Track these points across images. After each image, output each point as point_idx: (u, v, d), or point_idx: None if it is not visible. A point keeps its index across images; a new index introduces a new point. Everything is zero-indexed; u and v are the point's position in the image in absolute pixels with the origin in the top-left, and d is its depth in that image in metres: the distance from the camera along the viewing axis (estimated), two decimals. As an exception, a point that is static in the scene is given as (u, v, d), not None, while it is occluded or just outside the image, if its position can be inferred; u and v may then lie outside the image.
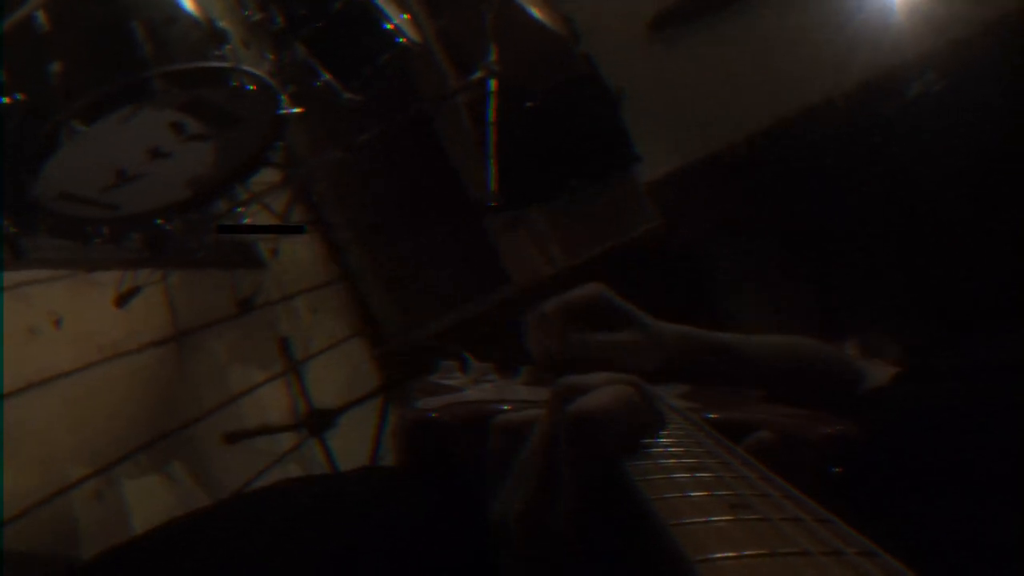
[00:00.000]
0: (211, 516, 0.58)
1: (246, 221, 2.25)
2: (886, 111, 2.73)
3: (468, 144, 2.92)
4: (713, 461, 0.41)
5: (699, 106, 2.99)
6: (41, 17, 1.38)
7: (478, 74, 2.51)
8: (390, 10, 2.21)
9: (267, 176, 2.29)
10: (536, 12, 2.59)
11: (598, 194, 3.04)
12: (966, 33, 2.70)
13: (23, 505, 1.53)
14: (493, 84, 2.51)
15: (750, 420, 0.49)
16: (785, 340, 0.76)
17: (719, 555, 0.30)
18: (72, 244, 1.74)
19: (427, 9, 3.01)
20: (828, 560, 0.30)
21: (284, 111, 1.70)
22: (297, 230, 2.71)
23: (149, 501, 1.82)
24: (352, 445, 2.40)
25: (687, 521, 0.33)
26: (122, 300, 1.96)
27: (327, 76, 2.14)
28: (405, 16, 2.35)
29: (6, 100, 1.37)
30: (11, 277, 1.72)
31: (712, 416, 0.49)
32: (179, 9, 1.47)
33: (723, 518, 0.34)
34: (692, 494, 0.36)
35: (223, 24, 1.51)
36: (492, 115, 2.50)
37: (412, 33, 2.31)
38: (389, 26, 2.19)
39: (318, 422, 2.28)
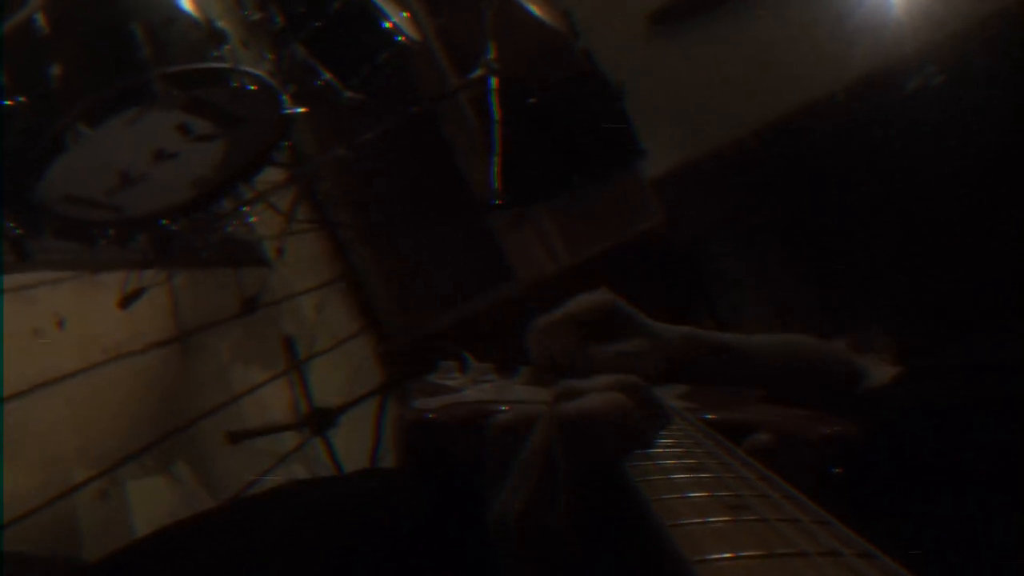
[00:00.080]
0: (214, 519, 0.58)
1: (251, 220, 2.25)
2: (886, 105, 2.73)
3: (471, 142, 2.92)
4: (712, 462, 0.41)
5: (700, 101, 2.98)
6: (40, 20, 1.38)
7: (478, 72, 2.51)
8: (389, 8, 2.21)
9: (272, 175, 2.29)
10: (535, 9, 2.59)
11: (601, 191, 3.03)
12: (965, 27, 2.69)
13: (27, 506, 1.53)
14: (494, 82, 2.51)
15: (749, 421, 0.49)
16: (786, 339, 0.76)
17: (717, 556, 0.31)
18: (77, 246, 1.75)
19: (426, 7, 3.01)
20: (826, 561, 0.30)
21: (288, 111, 1.70)
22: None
23: (152, 501, 1.82)
24: (355, 443, 2.40)
25: (686, 522, 0.33)
26: (126, 301, 1.97)
27: (327, 75, 2.14)
28: (404, 14, 2.36)
29: (8, 103, 1.37)
30: (16, 279, 1.72)
31: (711, 417, 0.49)
32: (178, 10, 1.47)
33: (721, 519, 0.34)
34: (691, 495, 0.37)
35: (222, 24, 1.51)
36: (496, 113, 2.50)
37: (411, 31, 2.31)
38: (388, 24, 2.19)
39: (320, 421, 2.29)
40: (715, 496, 0.36)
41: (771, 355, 0.73)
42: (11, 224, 1.57)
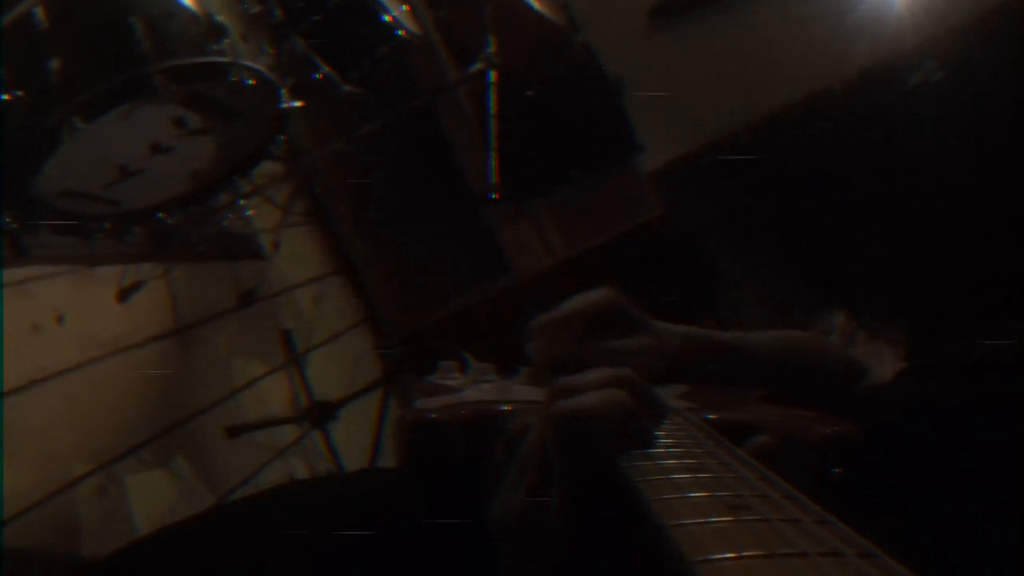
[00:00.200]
0: (214, 519, 0.58)
1: (248, 214, 2.24)
2: (886, 101, 2.72)
3: (469, 136, 2.92)
4: (712, 462, 0.41)
5: (698, 96, 2.98)
6: (40, 14, 1.37)
7: (477, 65, 2.51)
8: (388, 2, 2.21)
9: (269, 168, 2.29)
10: (535, 2, 2.58)
11: (599, 184, 3.03)
12: (966, 22, 2.69)
13: (26, 502, 1.53)
14: (493, 75, 2.50)
15: (749, 421, 0.49)
16: (786, 336, 0.76)
17: (719, 556, 0.31)
18: (74, 240, 1.74)
19: (426, 0, 3.00)
20: (827, 561, 0.30)
21: (285, 105, 1.69)
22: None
23: (151, 496, 1.82)
24: (354, 437, 2.40)
25: (686, 522, 0.33)
26: (124, 295, 1.96)
27: (326, 69, 2.14)
28: (404, 8, 2.35)
29: (6, 97, 1.36)
30: (14, 274, 1.72)
31: (711, 417, 0.49)
32: (177, 4, 1.47)
33: (722, 519, 0.34)
34: (691, 495, 0.37)
35: (221, 18, 1.51)
36: (494, 107, 2.49)
37: (411, 25, 2.30)
38: (388, 18, 2.18)
39: (320, 414, 2.29)
40: (715, 496, 0.36)
41: (772, 352, 0.73)
42: (8, 219, 1.56)
